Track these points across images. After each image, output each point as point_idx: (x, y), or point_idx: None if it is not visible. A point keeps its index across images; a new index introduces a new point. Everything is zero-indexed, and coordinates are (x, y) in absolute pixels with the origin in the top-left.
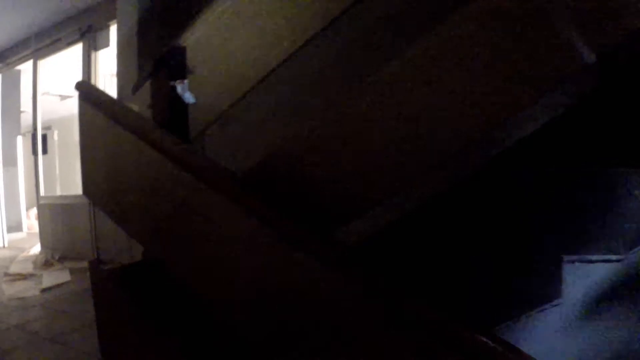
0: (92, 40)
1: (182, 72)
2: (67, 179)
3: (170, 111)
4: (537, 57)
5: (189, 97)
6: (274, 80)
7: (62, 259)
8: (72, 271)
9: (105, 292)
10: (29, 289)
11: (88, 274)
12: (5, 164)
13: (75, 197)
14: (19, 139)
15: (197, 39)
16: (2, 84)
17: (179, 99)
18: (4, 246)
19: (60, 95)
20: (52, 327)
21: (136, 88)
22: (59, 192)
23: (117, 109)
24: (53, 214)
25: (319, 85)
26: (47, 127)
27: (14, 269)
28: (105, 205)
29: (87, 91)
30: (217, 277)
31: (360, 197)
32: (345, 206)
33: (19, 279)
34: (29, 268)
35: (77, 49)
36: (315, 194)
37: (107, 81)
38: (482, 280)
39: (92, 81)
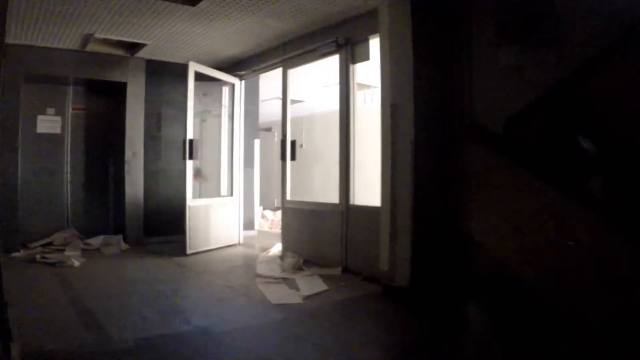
0: (349, 52)
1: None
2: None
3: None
4: None
5: (590, 148)
6: None
7: (307, 263)
8: (321, 278)
9: None
10: (289, 295)
11: (342, 283)
12: (244, 165)
13: (323, 204)
14: (256, 141)
15: None
16: (245, 90)
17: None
18: (239, 243)
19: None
20: (339, 341)
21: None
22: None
23: None
24: (298, 218)
25: None
26: (267, 129)
27: (262, 270)
28: None
29: None
30: None
31: None
32: None
33: (273, 282)
34: (277, 270)
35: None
36: None
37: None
38: None
39: (350, 95)
